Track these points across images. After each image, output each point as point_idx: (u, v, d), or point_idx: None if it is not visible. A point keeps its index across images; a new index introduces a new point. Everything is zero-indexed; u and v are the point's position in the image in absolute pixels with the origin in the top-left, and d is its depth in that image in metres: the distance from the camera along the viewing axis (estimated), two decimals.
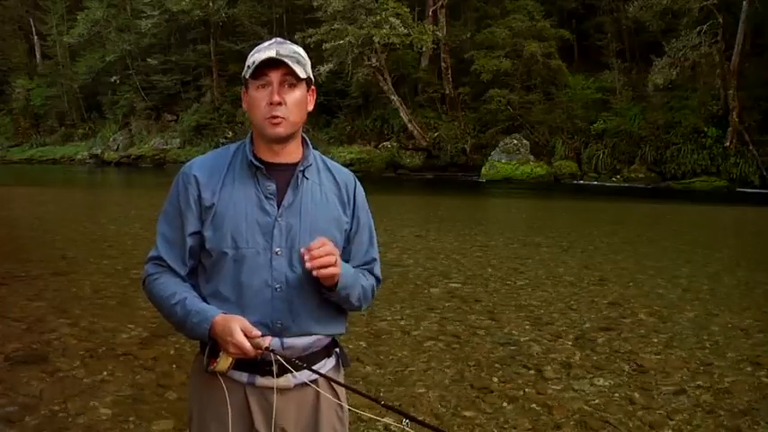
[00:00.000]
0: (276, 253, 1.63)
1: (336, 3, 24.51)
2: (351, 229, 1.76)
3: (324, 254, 1.54)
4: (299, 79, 1.64)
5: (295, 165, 1.70)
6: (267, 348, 1.54)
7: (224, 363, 1.58)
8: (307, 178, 1.70)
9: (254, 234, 1.63)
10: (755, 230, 12.66)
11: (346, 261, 1.76)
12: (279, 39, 1.70)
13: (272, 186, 1.66)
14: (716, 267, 7.98)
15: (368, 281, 1.78)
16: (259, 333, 1.54)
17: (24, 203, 15.98)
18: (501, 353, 4.57)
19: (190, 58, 35.00)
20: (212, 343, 1.59)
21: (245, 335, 1.52)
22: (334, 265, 1.57)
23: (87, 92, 39.91)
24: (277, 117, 1.61)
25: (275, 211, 1.65)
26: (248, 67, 1.63)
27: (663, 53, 21.61)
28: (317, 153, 1.78)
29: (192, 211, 1.66)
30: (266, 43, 1.66)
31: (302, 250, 1.56)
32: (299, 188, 1.68)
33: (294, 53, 1.64)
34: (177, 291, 1.64)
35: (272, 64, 1.60)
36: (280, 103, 1.61)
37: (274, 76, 1.61)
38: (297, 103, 1.65)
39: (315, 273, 1.55)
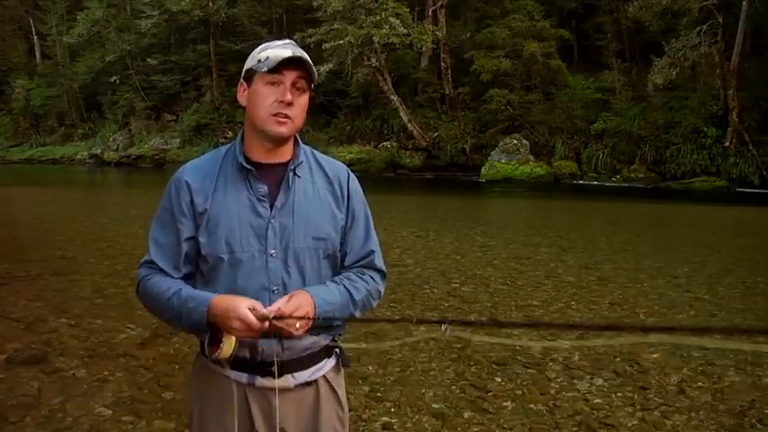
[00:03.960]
0: (271, 255, 1.62)
1: (336, 3, 24.50)
2: (346, 224, 1.74)
3: (293, 323, 1.53)
4: (309, 85, 1.64)
5: (286, 164, 1.69)
6: (274, 318, 1.51)
7: (228, 347, 1.55)
8: (298, 176, 1.69)
9: (249, 237, 1.62)
10: (755, 230, 12.65)
11: (344, 255, 1.74)
12: (289, 40, 1.70)
13: (264, 188, 1.65)
14: (716, 267, 7.98)
15: (367, 285, 1.74)
16: (265, 310, 1.52)
17: (24, 203, 15.98)
18: (501, 353, 4.57)
19: (189, 58, 35.00)
20: (212, 330, 1.57)
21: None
22: (304, 325, 1.55)
23: (87, 92, 39.92)
24: (285, 116, 1.61)
25: (268, 213, 1.64)
26: (260, 60, 1.60)
27: (663, 53, 21.60)
28: (307, 149, 1.76)
29: (186, 216, 1.64)
30: (279, 42, 1.65)
31: (271, 313, 1.52)
32: (291, 188, 1.67)
33: (308, 58, 1.64)
34: (172, 285, 1.63)
35: (292, 63, 1.59)
36: (290, 104, 1.60)
37: (289, 77, 1.60)
38: (303, 107, 1.65)
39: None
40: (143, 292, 1.70)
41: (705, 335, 1.12)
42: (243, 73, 1.67)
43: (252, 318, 1.49)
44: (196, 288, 1.67)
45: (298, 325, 1.53)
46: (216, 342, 1.57)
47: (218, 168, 1.68)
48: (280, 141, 1.66)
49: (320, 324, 1.60)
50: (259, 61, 1.61)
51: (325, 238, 1.68)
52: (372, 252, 1.78)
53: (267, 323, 1.51)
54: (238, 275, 1.61)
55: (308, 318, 1.55)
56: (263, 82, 1.61)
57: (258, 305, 1.51)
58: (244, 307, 1.50)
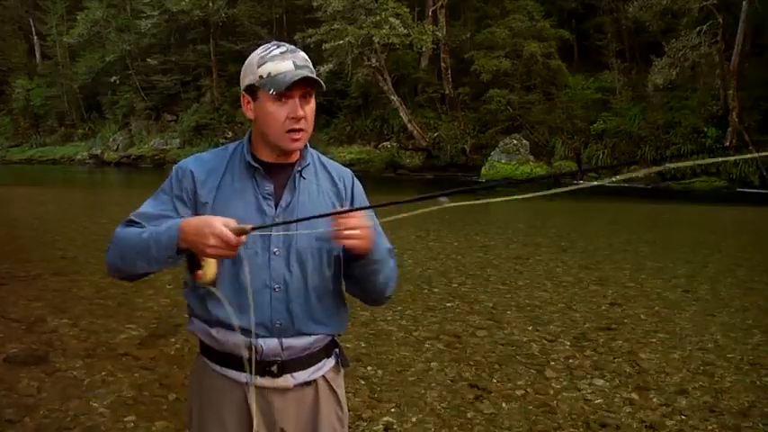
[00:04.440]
0: (274, 253, 1.63)
1: (336, 3, 24.51)
2: None
3: (353, 225, 1.52)
4: (315, 90, 1.63)
5: (293, 164, 1.69)
6: (253, 228, 1.47)
7: (210, 269, 1.53)
8: (304, 178, 1.70)
9: (253, 235, 1.62)
10: (755, 230, 12.66)
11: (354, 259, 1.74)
12: (287, 45, 1.64)
13: (270, 187, 1.66)
14: (716, 267, 7.98)
15: (395, 262, 1.76)
16: (243, 227, 1.47)
17: (24, 203, 15.98)
18: (501, 353, 4.57)
19: (189, 59, 35.00)
20: (189, 256, 1.55)
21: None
22: (362, 237, 1.54)
23: (87, 92, 39.91)
24: (299, 130, 1.60)
25: (273, 212, 1.64)
26: (262, 76, 1.57)
27: (663, 53, 21.60)
28: (314, 152, 1.76)
29: (185, 201, 1.65)
30: (277, 50, 1.60)
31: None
32: (297, 188, 1.68)
33: (307, 61, 1.61)
34: (147, 227, 1.60)
35: (299, 80, 1.56)
36: (302, 118, 1.59)
37: (297, 91, 1.58)
38: (313, 112, 1.64)
39: (338, 241, 1.55)
40: (112, 245, 1.63)
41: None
42: (243, 86, 1.64)
43: (228, 232, 1.44)
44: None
45: (359, 231, 1.52)
46: (196, 268, 1.55)
47: (226, 165, 1.68)
48: (293, 152, 1.67)
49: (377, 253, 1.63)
50: (261, 77, 1.58)
51: (328, 238, 1.68)
52: (390, 250, 1.80)
53: (244, 237, 1.47)
54: (241, 272, 1.61)
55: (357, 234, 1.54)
56: (270, 100, 1.58)
57: (232, 222, 1.47)
58: (219, 222, 1.46)
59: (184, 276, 1.69)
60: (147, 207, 1.67)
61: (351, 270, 1.70)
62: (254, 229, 1.47)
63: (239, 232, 1.45)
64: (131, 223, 1.64)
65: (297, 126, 1.59)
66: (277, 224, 1.56)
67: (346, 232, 1.52)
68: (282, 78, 1.55)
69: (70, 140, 40.72)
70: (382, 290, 1.74)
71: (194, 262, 1.55)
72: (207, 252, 1.47)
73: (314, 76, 1.58)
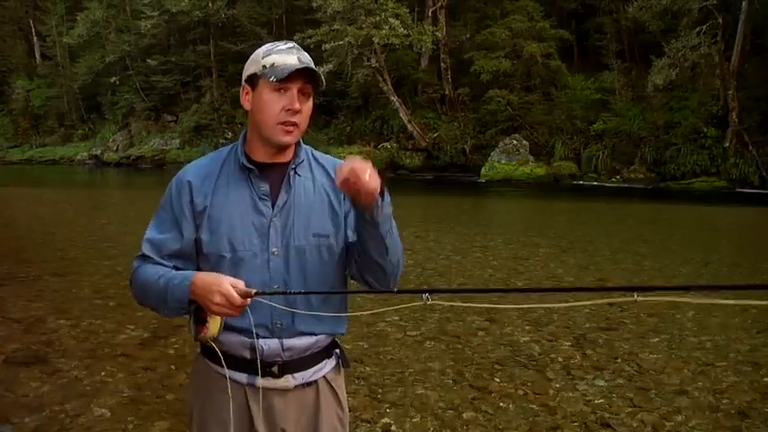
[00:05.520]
0: (273, 253, 1.63)
1: (336, 3, 24.52)
2: (349, 212, 1.70)
3: (357, 173, 1.44)
4: (315, 89, 1.63)
5: (287, 163, 1.69)
6: (256, 293, 1.51)
7: (214, 325, 1.56)
8: (299, 175, 1.69)
9: (251, 236, 1.62)
10: (755, 230, 12.66)
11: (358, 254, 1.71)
12: (294, 43, 1.66)
13: (266, 187, 1.65)
14: (715, 267, 7.98)
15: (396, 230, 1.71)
16: (248, 291, 1.51)
17: (24, 203, 15.99)
18: (501, 353, 4.58)
19: (189, 59, 34.98)
20: (196, 309, 1.57)
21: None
22: (366, 181, 1.45)
23: (87, 92, 39.92)
24: (292, 124, 1.60)
25: (270, 212, 1.64)
26: (265, 66, 1.58)
27: (662, 53, 21.61)
28: (308, 148, 1.76)
29: (187, 217, 1.65)
30: (283, 45, 1.62)
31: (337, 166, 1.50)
32: (292, 186, 1.67)
33: (311, 62, 1.62)
34: (161, 269, 1.63)
35: (300, 72, 1.57)
36: (298, 111, 1.60)
37: (295, 84, 1.58)
38: (309, 112, 1.65)
39: (343, 186, 1.48)
40: (134, 281, 1.69)
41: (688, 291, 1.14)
42: (245, 77, 1.64)
43: (234, 293, 1.48)
44: None
45: (368, 175, 1.45)
46: (201, 321, 1.57)
47: (220, 168, 1.68)
48: (287, 148, 1.66)
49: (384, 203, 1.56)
50: (264, 67, 1.58)
51: (326, 234, 1.68)
52: None
53: (249, 300, 1.51)
54: (240, 273, 1.61)
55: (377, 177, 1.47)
56: (269, 89, 1.59)
57: (240, 283, 1.51)
58: (226, 282, 1.50)
59: None
60: (153, 232, 1.69)
61: (363, 243, 1.63)
62: (257, 294, 1.51)
63: (245, 295, 1.50)
64: (145, 258, 1.67)
65: (291, 119, 1.59)
66: (282, 293, 1.59)
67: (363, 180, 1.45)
68: (284, 68, 1.56)
69: (70, 141, 40.73)
70: (386, 260, 1.68)
71: (199, 317, 1.58)
72: (211, 308, 1.52)
73: (315, 68, 1.60)
